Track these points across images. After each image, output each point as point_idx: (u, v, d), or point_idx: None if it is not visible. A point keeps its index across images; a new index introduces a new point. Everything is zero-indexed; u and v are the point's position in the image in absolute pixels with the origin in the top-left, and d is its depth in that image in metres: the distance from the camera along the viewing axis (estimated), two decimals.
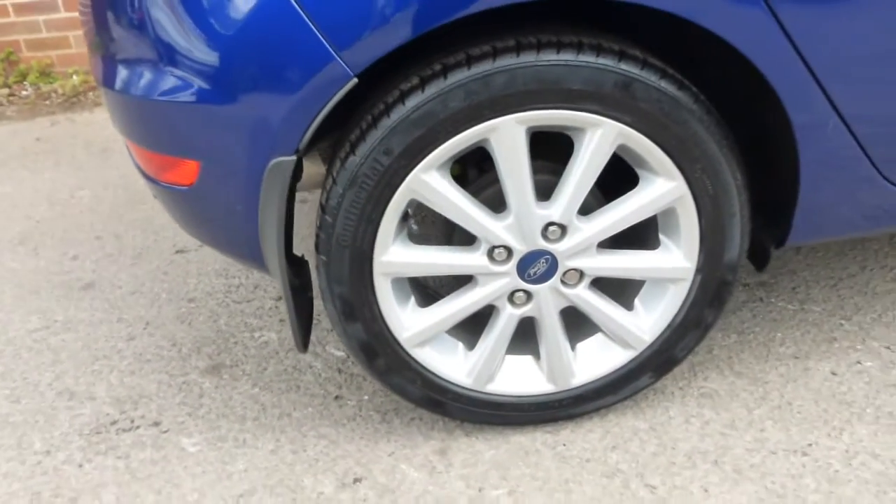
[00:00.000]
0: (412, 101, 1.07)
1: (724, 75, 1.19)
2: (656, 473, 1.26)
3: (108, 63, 1.17)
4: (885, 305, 1.65)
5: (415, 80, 1.08)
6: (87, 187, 2.60)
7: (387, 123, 1.08)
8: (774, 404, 1.39)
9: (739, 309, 1.68)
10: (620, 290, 1.34)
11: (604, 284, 1.31)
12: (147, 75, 1.10)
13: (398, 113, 1.07)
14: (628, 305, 1.31)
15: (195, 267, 2.00)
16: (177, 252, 2.10)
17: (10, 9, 3.74)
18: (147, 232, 2.23)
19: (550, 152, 1.24)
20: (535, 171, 1.17)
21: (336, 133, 1.24)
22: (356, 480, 1.28)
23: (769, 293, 1.73)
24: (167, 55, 1.07)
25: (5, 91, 3.77)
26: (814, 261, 1.84)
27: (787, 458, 1.27)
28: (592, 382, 1.33)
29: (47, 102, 3.70)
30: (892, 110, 1.16)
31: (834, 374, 1.46)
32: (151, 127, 1.15)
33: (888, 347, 1.51)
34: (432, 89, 1.07)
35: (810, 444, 1.29)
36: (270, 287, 1.87)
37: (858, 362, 1.48)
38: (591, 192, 1.22)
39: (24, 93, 3.80)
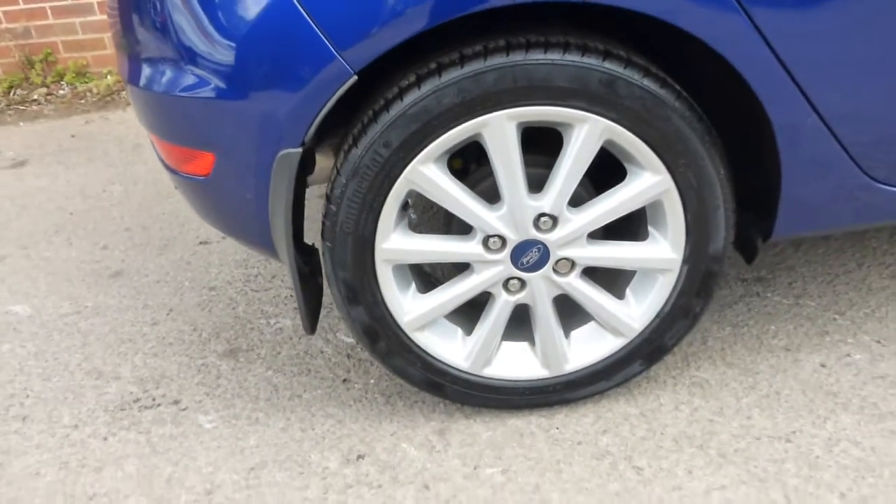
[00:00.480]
0: (409, 98, 1.14)
1: (710, 73, 1.25)
2: (644, 456, 1.31)
3: (133, 62, 1.26)
4: (879, 301, 1.68)
5: (412, 78, 1.16)
6: (118, 182, 2.73)
7: (386, 118, 1.16)
8: (763, 393, 1.44)
9: (736, 303, 1.73)
10: (613, 279, 1.40)
11: (597, 274, 1.37)
12: (167, 73, 1.19)
13: (396, 108, 1.15)
14: (620, 294, 1.37)
15: (217, 257, 2.10)
16: (200, 243, 2.20)
17: (49, 11, 3.90)
18: (173, 224, 2.34)
19: (546, 147, 1.30)
20: (529, 164, 1.24)
21: (345, 128, 1.32)
22: (359, 457, 1.36)
23: (766, 288, 1.77)
24: (185, 55, 1.15)
25: (43, 90, 3.94)
26: (813, 257, 1.87)
27: (771, 444, 1.32)
28: (585, 368, 1.39)
29: (83, 101, 3.85)
30: (870, 109, 1.20)
31: (823, 365, 1.50)
32: (171, 121, 1.24)
33: (878, 342, 1.55)
34: (428, 86, 1.14)
35: (794, 432, 1.34)
36: (286, 277, 1.96)
37: (848, 355, 1.52)
38: (582, 184, 1.28)
39: (61, 92, 3.96)
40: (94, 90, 3.92)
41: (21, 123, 3.56)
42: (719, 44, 1.10)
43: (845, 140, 1.24)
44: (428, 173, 1.19)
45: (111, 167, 2.88)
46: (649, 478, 1.27)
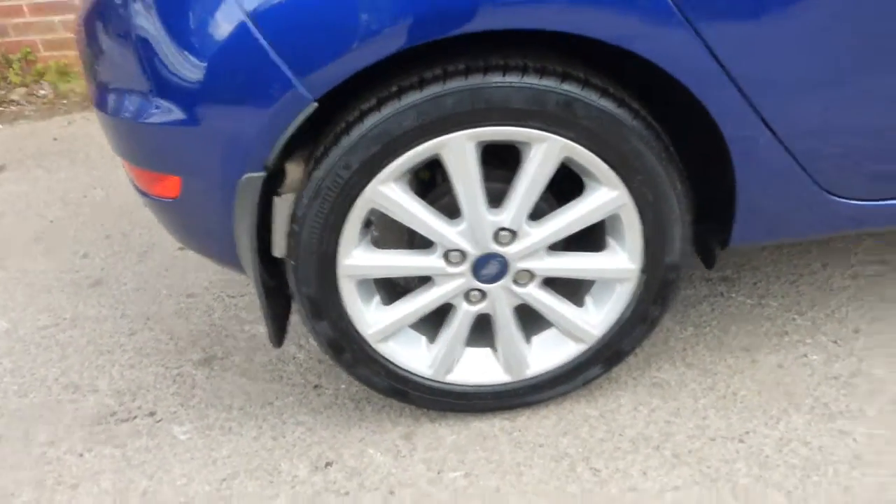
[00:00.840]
0: (370, 121, 1.18)
1: (669, 86, 1.28)
2: (601, 457, 1.36)
3: (100, 89, 1.29)
4: (840, 302, 1.73)
5: (373, 101, 1.19)
6: (99, 186, 2.75)
7: (347, 141, 1.19)
8: (720, 394, 1.49)
9: (700, 303, 1.77)
10: (574, 287, 1.44)
11: (557, 282, 1.41)
12: (132, 100, 1.22)
13: (358, 131, 1.18)
14: (580, 302, 1.42)
15: (194, 263, 2.14)
16: (179, 248, 2.23)
17: (26, 9, 3.86)
18: (153, 230, 2.36)
19: (507, 159, 1.33)
20: (489, 178, 1.27)
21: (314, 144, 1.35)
22: (328, 464, 1.40)
23: (730, 288, 1.82)
24: (148, 83, 1.18)
25: (23, 90, 3.93)
26: (778, 257, 1.92)
27: (724, 445, 1.37)
28: (546, 373, 1.43)
29: (65, 102, 3.85)
30: (819, 122, 1.24)
31: (780, 366, 1.55)
32: (138, 146, 1.27)
33: (835, 342, 1.60)
34: (388, 109, 1.17)
35: (748, 432, 1.39)
36: None
37: (805, 356, 1.57)
38: (544, 197, 1.32)
39: (41, 92, 3.95)
40: (77, 90, 3.91)
41: (0, 126, 3.56)
42: (668, 61, 1.13)
43: (797, 153, 1.28)
44: (388, 192, 1.23)
45: (93, 170, 2.90)
46: (605, 479, 1.32)
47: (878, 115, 1.25)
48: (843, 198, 1.34)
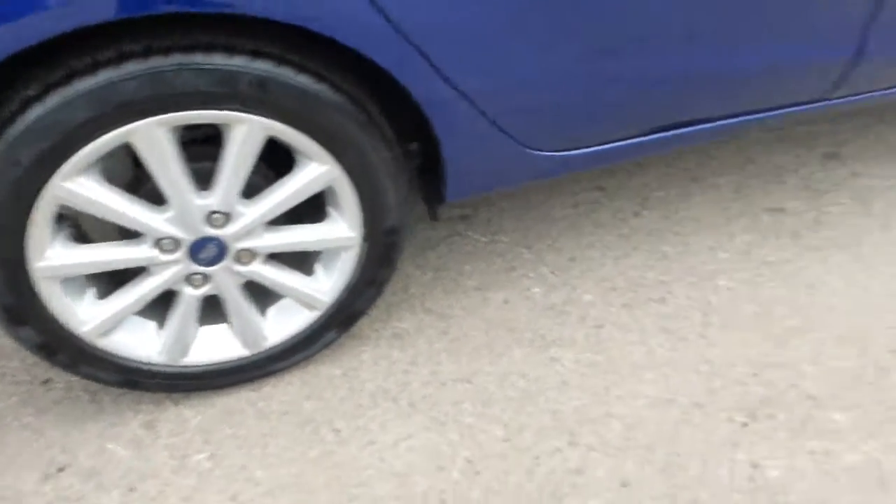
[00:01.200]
0: (36, 111, 1.06)
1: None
2: (343, 417, 1.43)
3: None
4: (560, 230, 1.90)
5: (38, 88, 1.07)
6: None
7: (12, 133, 1.06)
8: (453, 337, 1.60)
9: (438, 244, 1.86)
10: (303, 255, 1.44)
11: (286, 252, 1.41)
12: None
13: (23, 122, 1.06)
14: (310, 270, 1.43)
15: None
16: None
17: None
18: None
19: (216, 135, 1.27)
20: (196, 158, 1.21)
21: None
22: (60, 469, 1.33)
23: (467, 226, 1.93)
24: None
25: None
26: (511, 191, 2.05)
27: (454, 387, 1.49)
28: (285, 342, 1.45)
29: None
30: (500, 82, 1.30)
31: (506, 302, 1.69)
32: None
33: (553, 272, 1.77)
34: (56, 98, 1.06)
35: (475, 372, 1.52)
36: None
37: (528, 289, 1.73)
38: (260, 173, 1.29)
39: None
40: None
41: None
42: (336, 31, 1.12)
43: (487, 112, 1.34)
44: (75, 188, 1.13)
45: None
46: (346, 438, 1.39)
47: (550, 71, 1.32)
48: (541, 150, 1.45)
